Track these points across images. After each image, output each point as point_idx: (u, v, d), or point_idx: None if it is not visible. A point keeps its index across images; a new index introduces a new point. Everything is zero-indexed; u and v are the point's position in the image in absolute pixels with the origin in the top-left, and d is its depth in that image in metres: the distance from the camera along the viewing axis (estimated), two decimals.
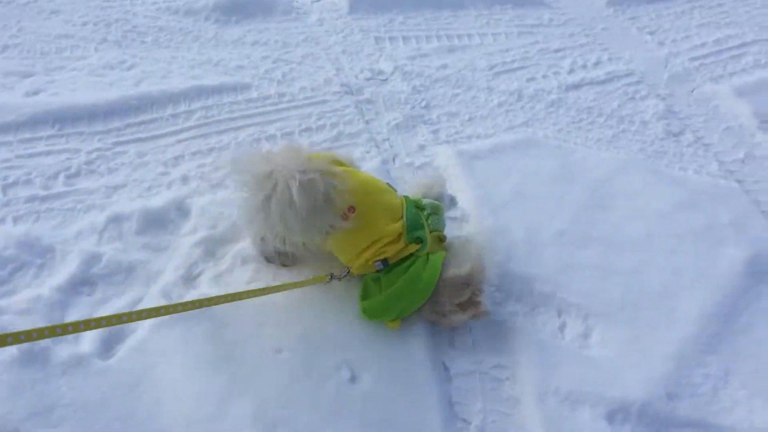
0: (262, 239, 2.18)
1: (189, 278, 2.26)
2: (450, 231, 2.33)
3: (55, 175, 2.57)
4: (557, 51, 3.80)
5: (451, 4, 4.10)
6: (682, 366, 2.14)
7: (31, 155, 2.65)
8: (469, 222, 2.58)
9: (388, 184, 2.21)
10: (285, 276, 2.24)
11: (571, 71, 3.63)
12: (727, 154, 3.15)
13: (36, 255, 2.24)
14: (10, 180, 2.52)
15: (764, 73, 3.71)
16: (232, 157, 2.04)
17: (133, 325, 2.07)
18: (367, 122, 3.10)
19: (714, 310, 2.32)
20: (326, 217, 1.92)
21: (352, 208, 1.98)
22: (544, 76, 3.56)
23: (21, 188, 2.50)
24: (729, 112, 3.42)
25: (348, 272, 2.11)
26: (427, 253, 2.10)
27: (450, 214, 2.60)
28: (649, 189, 2.79)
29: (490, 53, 3.71)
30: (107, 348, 2.00)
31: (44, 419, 1.78)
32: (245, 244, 2.35)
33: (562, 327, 2.26)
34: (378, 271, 2.08)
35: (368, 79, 3.40)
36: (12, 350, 1.87)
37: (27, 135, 2.74)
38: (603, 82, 3.56)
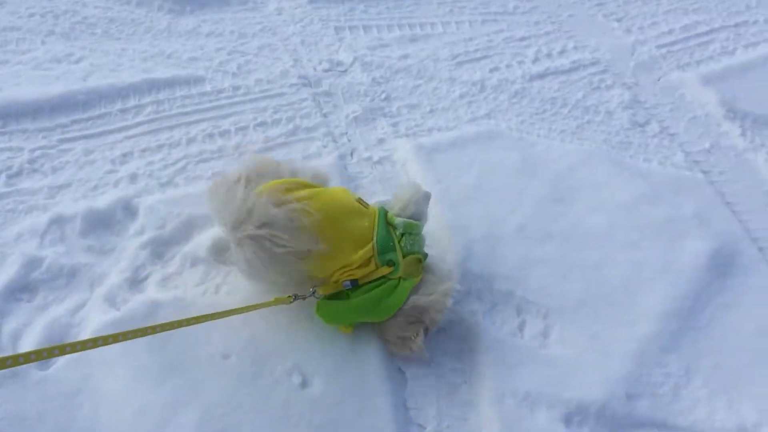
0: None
1: (135, 282, 2.20)
2: None
3: None
4: (522, 39, 3.71)
5: None
6: (642, 365, 2.10)
7: None
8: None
9: (359, 199, 2.08)
10: (242, 287, 2.18)
11: (535, 60, 3.55)
12: (693, 145, 3.10)
13: None
14: None
15: (731, 61, 3.66)
16: (209, 189, 1.97)
17: (72, 333, 2.01)
18: (324, 115, 3.01)
19: (676, 305, 2.27)
20: (289, 259, 1.85)
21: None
22: (507, 66, 3.48)
23: None
24: (695, 101, 3.37)
25: (313, 292, 2.00)
26: (399, 278, 2.00)
27: None
28: (613, 181, 2.74)
29: (453, 42, 3.61)
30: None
31: None
32: (194, 245, 2.28)
33: (521, 326, 2.21)
34: (346, 290, 1.98)
35: (327, 71, 3.29)
36: None
37: None
38: (568, 71, 3.49)
